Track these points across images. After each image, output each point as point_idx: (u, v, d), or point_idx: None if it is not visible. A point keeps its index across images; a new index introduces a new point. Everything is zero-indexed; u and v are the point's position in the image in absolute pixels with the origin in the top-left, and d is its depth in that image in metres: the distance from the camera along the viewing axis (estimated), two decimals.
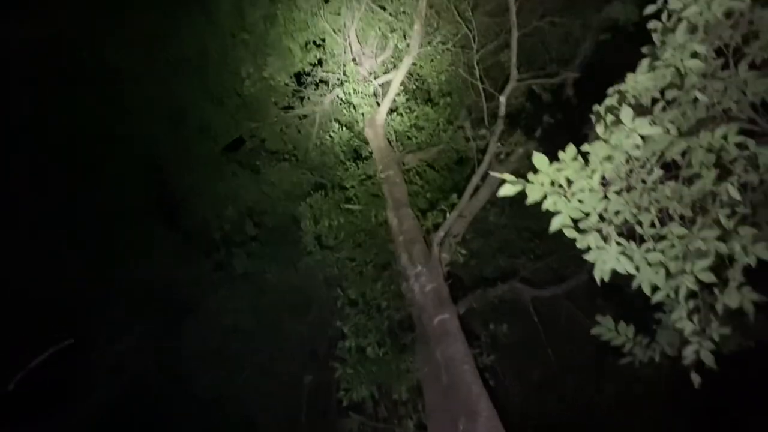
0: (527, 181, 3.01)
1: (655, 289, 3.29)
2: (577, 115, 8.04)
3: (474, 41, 8.21)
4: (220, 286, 9.46)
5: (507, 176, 2.88)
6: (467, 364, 6.30)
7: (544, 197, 2.97)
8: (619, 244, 3.05)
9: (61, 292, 9.95)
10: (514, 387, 8.87)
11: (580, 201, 2.98)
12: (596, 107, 3.12)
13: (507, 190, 2.90)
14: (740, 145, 3.57)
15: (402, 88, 9.74)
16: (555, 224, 2.97)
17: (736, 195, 3.44)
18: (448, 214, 7.77)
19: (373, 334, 7.48)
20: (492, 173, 3.18)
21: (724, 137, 3.52)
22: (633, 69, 4.01)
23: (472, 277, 8.80)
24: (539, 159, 2.81)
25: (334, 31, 10.28)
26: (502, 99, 7.23)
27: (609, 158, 2.83)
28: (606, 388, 8.84)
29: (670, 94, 3.33)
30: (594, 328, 4.81)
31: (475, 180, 7.74)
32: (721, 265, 3.50)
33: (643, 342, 4.84)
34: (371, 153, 9.47)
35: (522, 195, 3.17)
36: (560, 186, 2.93)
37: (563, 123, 8.50)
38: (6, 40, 9.05)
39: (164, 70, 9.74)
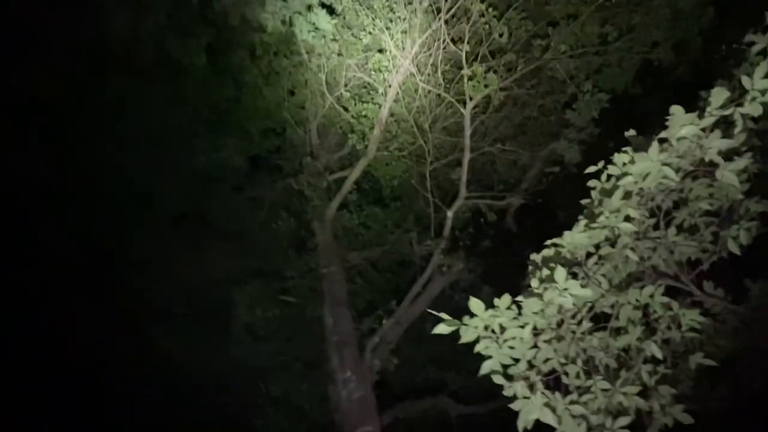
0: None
1: None
2: (518, 238, 8.36)
3: (428, 154, 8.54)
4: (144, 365, 8.96)
5: (444, 316, 2.92)
6: None
7: (477, 339, 3.01)
8: (543, 394, 3.09)
9: None
10: None
11: (510, 347, 3.02)
12: (533, 257, 3.25)
13: (442, 329, 2.93)
14: (665, 305, 3.77)
15: (355, 186, 9.91)
16: (485, 368, 3.00)
17: (658, 354, 3.58)
18: (384, 320, 7.74)
19: None
20: (430, 311, 3.21)
21: (651, 296, 3.72)
22: (571, 206, 4.23)
23: (400, 385, 8.67)
24: (475, 304, 2.88)
25: (295, 122, 10.50)
26: (449, 214, 7.46)
27: (541, 311, 2.92)
28: None
29: (603, 251, 3.51)
30: None
31: (415, 288, 7.81)
32: (640, 421, 3.59)
33: None
34: (316, 246, 9.46)
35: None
36: (493, 331, 2.98)
37: (504, 243, 8.78)
38: None
39: (122, 136, 9.67)
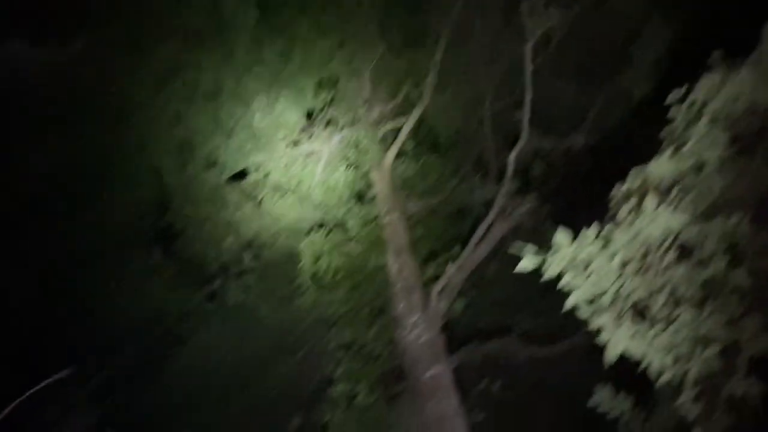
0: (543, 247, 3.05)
1: (661, 371, 3.31)
2: (583, 178, 8.17)
3: (486, 97, 8.36)
4: (213, 318, 9.35)
5: (529, 249, 2.91)
6: (458, 421, 6.25)
7: (561, 274, 3.00)
8: (631, 325, 3.07)
9: (54, 319, 9.86)
10: None
11: (595, 281, 3.01)
12: (618, 188, 3.18)
13: (527, 263, 2.93)
14: (751, 234, 3.64)
15: (411, 134, 9.83)
16: (570, 301, 3.00)
17: (745, 283, 3.49)
18: (449, 264, 7.79)
19: (365, 380, 7.41)
20: (512, 248, 3.20)
21: (737, 225, 3.59)
22: (641, 139, 4.10)
23: (467, 330, 8.77)
24: (561, 236, 2.85)
25: (348, 73, 10.41)
26: (511, 157, 7.34)
27: (630, 242, 2.87)
28: None
29: (688, 180, 3.40)
30: (592, 398, 4.77)
31: (478, 233, 7.78)
32: (728, 351, 3.53)
33: (640, 416, 4.79)
34: (375, 196, 9.51)
35: None
36: (578, 264, 2.96)
37: (569, 183, 8.60)
38: (21, 60, 9.14)
39: (177, 100, 9.84)
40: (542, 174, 8.89)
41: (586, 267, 2.93)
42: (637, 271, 3.20)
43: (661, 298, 3.31)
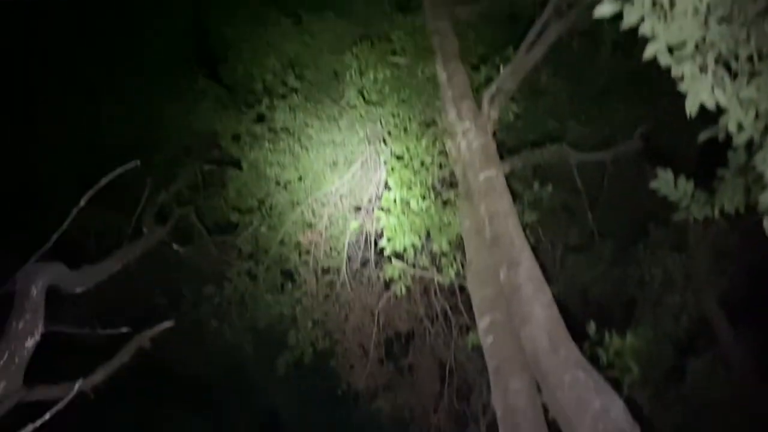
0: None
1: (740, 127, 3.18)
2: None
3: None
4: (262, 139, 9.44)
5: None
6: (511, 218, 6.34)
7: (641, 21, 2.79)
8: (713, 76, 2.90)
9: (103, 139, 10.22)
10: (552, 248, 9.02)
11: (678, 27, 2.79)
12: None
13: (605, 9, 2.72)
14: None
15: None
16: (650, 50, 2.82)
17: None
18: (501, 69, 7.50)
19: (417, 187, 7.54)
20: None
21: None
22: None
23: (517, 139, 8.67)
24: None
25: None
26: None
27: None
28: (644, 257, 8.88)
29: None
30: (653, 181, 4.73)
31: (531, 34, 7.36)
32: None
33: (701, 199, 4.76)
34: (420, 3, 8.99)
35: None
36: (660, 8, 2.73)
37: None
38: None
39: None
40: None
41: (670, 9, 2.69)
42: (723, 19, 2.94)
43: (746, 51, 3.08)
